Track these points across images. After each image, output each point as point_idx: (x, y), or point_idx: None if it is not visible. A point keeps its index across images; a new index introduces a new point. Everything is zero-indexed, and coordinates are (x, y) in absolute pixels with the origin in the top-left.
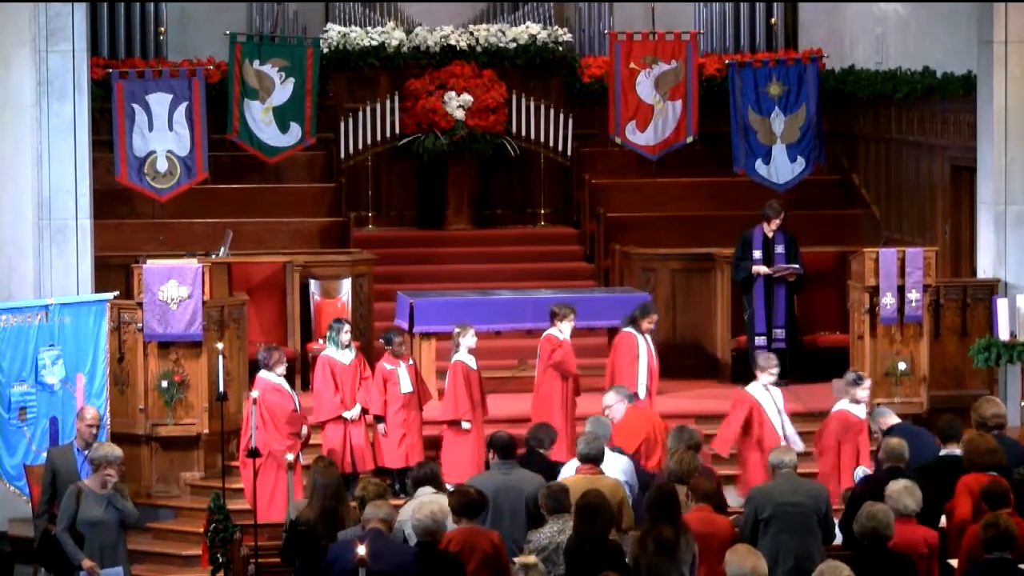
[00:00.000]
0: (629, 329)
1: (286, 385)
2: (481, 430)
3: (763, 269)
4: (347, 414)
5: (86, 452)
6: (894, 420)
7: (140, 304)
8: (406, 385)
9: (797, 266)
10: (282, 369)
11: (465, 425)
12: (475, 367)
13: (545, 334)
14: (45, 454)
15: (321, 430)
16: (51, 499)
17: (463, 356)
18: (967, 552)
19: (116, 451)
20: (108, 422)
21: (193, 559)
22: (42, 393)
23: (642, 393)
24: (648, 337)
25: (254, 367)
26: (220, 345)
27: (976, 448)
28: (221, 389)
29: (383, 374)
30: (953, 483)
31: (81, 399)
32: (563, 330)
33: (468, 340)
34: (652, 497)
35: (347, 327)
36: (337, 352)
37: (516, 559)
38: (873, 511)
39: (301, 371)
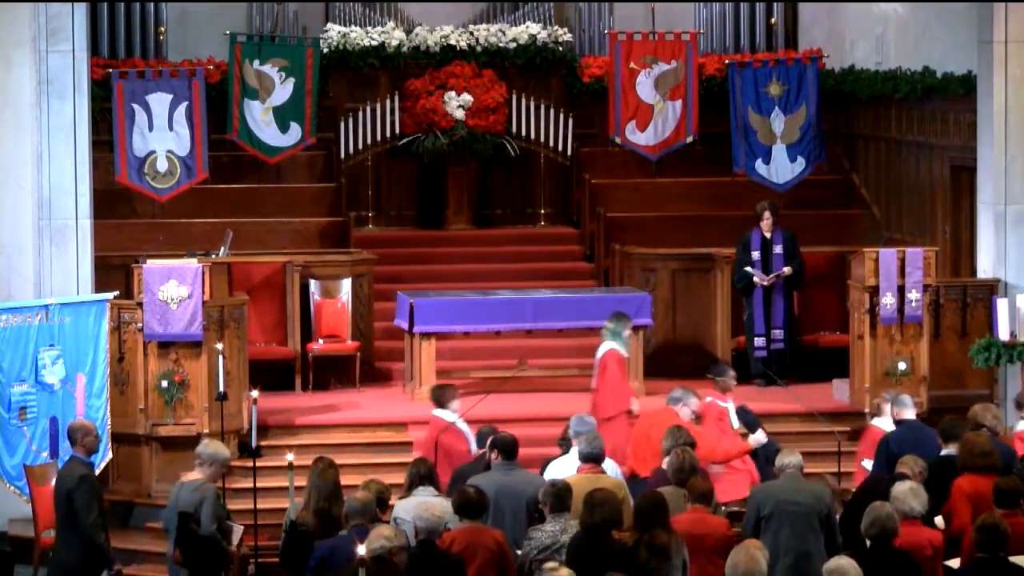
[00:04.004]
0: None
1: (461, 423)
2: None
3: (761, 281)
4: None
5: (90, 459)
6: (908, 414)
7: (140, 304)
8: (735, 420)
9: (786, 269)
10: (456, 404)
11: None
12: None
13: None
14: (79, 472)
15: (607, 424)
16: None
17: None
18: (969, 550)
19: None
20: (108, 422)
21: None
22: (42, 393)
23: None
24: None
25: (254, 367)
26: (220, 345)
27: (971, 449)
28: (221, 389)
29: (717, 412)
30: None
31: (81, 399)
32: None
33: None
34: (642, 505)
35: (632, 323)
36: (623, 347)
37: (545, 566)
38: (881, 511)
39: (301, 371)
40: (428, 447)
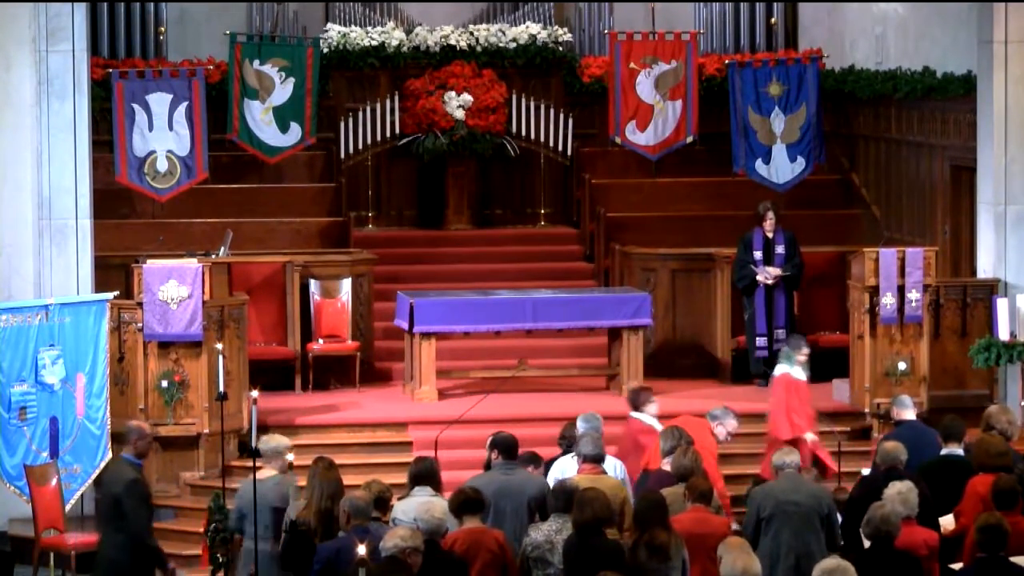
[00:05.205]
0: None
1: (658, 427)
2: None
3: (766, 279)
4: (808, 435)
5: (139, 462)
6: (909, 415)
7: (140, 304)
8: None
9: (775, 270)
10: (653, 408)
11: None
12: None
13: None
14: (130, 476)
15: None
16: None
17: None
18: (970, 550)
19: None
20: (108, 422)
21: (193, 559)
22: (42, 393)
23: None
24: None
25: (254, 367)
26: (220, 345)
27: (987, 450)
28: (221, 389)
29: None
30: (955, 482)
31: (81, 399)
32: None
33: None
34: (641, 505)
35: (807, 349)
36: (795, 370)
37: None
38: (881, 512)
39: (301, 371)
40: (627, 448)
